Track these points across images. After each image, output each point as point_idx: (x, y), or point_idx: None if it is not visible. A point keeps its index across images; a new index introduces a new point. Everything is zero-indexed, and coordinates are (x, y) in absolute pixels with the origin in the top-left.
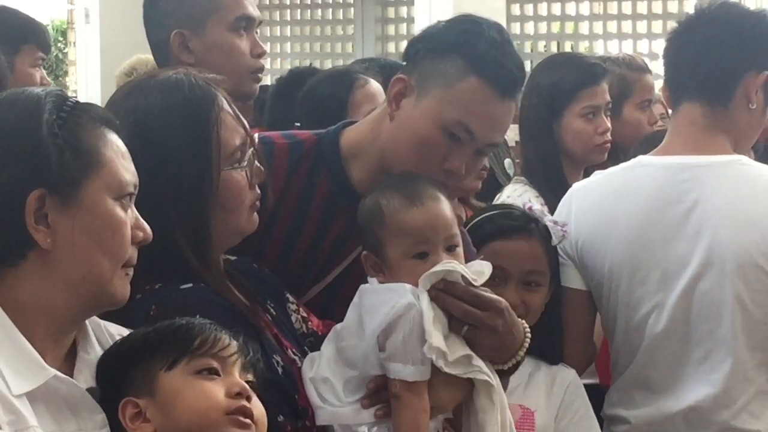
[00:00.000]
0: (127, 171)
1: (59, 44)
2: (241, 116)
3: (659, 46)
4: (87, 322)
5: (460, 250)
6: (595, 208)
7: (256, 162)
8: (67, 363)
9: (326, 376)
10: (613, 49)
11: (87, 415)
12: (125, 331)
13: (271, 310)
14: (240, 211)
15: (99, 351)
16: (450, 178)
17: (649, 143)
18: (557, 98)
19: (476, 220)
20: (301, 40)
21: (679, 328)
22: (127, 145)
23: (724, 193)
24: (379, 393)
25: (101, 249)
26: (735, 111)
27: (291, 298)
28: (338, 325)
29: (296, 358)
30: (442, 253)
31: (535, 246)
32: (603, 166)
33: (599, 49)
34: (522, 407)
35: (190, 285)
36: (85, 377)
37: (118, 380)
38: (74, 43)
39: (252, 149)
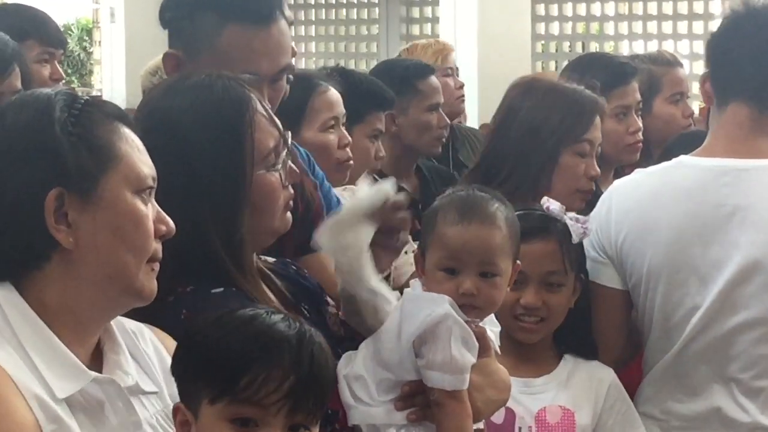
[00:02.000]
0: (145, 164)
1: (84, 43)
2: (275, 117)
3: (684, 46)
4: (112, 323)
5: (498, 279)
6: (635, 207)
7: (290, 162)
8: (94, 365)
9: (361, 374)
10: (639, 49)
11: (122, 417)
12: (145, 329)
13: (305, 313)
14: (274, 212)
15: (126, 351)
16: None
17: (685, 142)
18: None
19: None
20: (326, 39)
21: (716, 331)
22: (160, 145)
23: (766, 198)
24: (414, 397)
25: (125, 244)
26: None
27: (330, 301)
28: (381, 328)
29: None
30: (474, 275)
31: (553, 246)
32: (636, 164)
33: (624, 49)
34: (562, 408)
35: (221, 289)
36: (118, 378)
37: (182, 372)
38: (99, 42)
39: (286, 150)
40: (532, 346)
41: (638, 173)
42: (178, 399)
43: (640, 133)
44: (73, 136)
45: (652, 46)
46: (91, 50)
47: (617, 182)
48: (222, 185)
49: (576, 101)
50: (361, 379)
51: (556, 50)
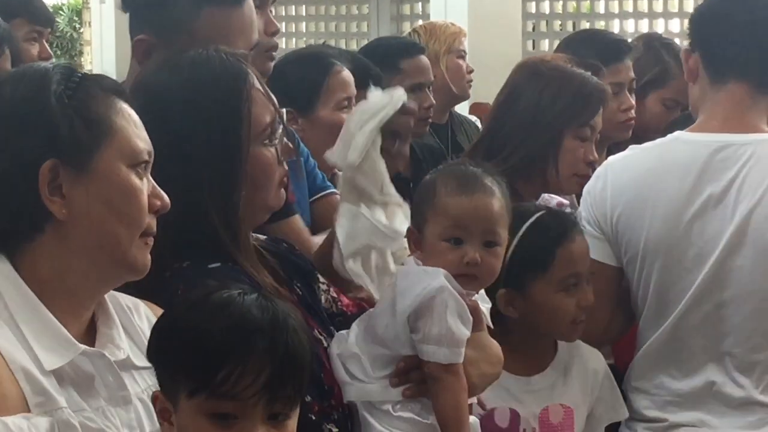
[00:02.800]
0: (140, 139)
1: (74, 24)
2: (270, 93)
3: (675, 24)
4: (105, 296)
5: (499, 249)
6: (631, 183)
7: (285, 139)
8: (87, 339)
9: (355, 352)
10: (629, 28)
11: (111, 391)
12: (141, 304)
13: (298, 290)
14: (269, 188)
15: (119, 326)
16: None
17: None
18: None
19: None
20: (316, 19)
21: (710, 306)
22: (157, 120)
23: (762, 170)
24: (409, 373)
25: (118, 217)
26: None
27: (321, 279)
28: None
29: (322, 338)
30: (478, 245)
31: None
32: (627, 143)
33: (615, 28)
34: (563, 407)
35: (218, 264)
36: (110, 352)
37: (159, 359)
38: (89, 23)
39: (281, 126)
40: (532, 338)
41: (633, 149)
42: None
43: (633, 111)
44: (68, 109)
45: (643, 25)
46: (81, 31)
47: (612, 158)
48: (219, 160)
49: (583, 89)
50: (355, 356)
51: (547, 29)
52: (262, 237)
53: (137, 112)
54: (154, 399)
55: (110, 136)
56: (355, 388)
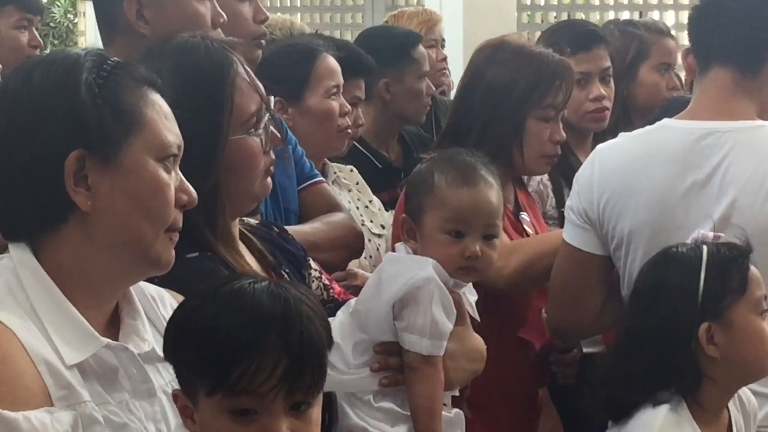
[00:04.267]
0: (170, 132)
1: (69, 15)
2: (257, 82)
3: (670, 17)
4: (131, 287)
5: (497, 241)
6: (618, 170)
7: (272, 128)
8: (110, 330)
9: (336, 341)
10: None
11: (136, 384)
12: (165, 293)
13: (286, 276)
14: (253, 177)
15: (144, 317)
16: None
17: (674, 108)
18: None
19: None
20: (311, 10)
21: None
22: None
23: (746, 158)
24: (387, 359)
25: (143, 212)
26: (765, 79)
27: (314, 265)
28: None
29: None
30: (478, 238)
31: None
32: (616, 131)
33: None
34: None
35: (196, 254)
36: (134, 344)
37: (175, 359)
38: (84, 13)
39: (268, 115)
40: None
41: (622, 137)
42: None
43: (606, 101)
44: (98, 99)
45: (637, 16)
46: (75, 21)
47: (600, 146)
48: (196, 147)
49: (542, 65)
50: (336, 345)
51: (542, 21)
52: (254, 221)
53: None
54: (175, 397)
55: (139, 128)
56: (333, 379)
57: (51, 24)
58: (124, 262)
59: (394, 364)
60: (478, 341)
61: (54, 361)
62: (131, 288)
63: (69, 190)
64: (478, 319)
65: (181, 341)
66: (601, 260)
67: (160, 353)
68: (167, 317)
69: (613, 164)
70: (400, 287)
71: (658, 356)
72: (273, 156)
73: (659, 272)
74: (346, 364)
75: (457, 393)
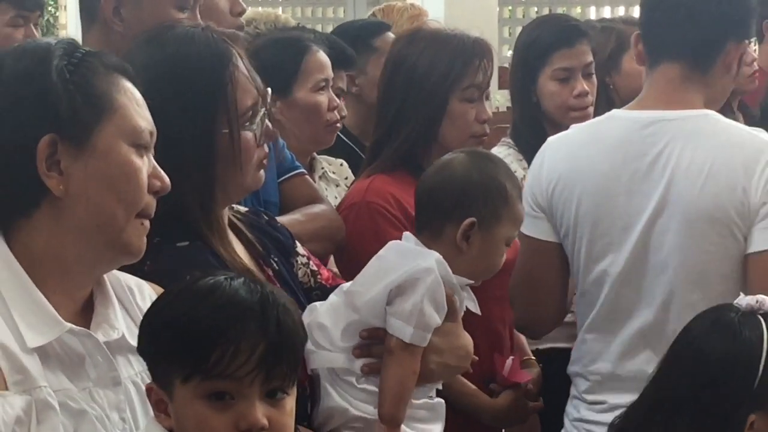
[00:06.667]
0: (142, 118)
1: (50, 8)
2: (256, 76)
3: None
4: (105, 276)
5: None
6: (565, 158)
7: (267, 121)
8: (83, 318)
9: (322, 323)
10: (606, 15)
11: (101, 372)
12: (145, 285)
13: (274, 264)
14: (246, 170)
15: (117, 306)
16: None
17: None
18: (532, 59)
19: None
20: (293, 4)
21: (633, 278)
22: (141, 94)
23: (687, 145)
24: (372, 346)
25: (115, 195)
26: (713, 77)
27: (302, 251)
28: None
29: None
30: None
31: None
32: None
33: (591, 14)
34: None
35: (187, 243)
36: (104, 332)
37: (151, 350)
38: (65, 6)
39: (264, 109)
40: None
41: (573, 127)
42: None
43: (589, 97)
44: (70, 84)
45: (619, 12)
46: (56, 15)
47: (552, 137)
48: (190, 139)
49: (459, 46)
50: (323, 327)
51: (523, 15)
52: (243, 209)
53: None
54: (149, 391)
55: (111, 113)
56: (319, 355)
57: (42, 15)
58: (95, 247)
59: (376, 353)
60: (466, 339)
61: (11, 345)
62: (107, 277)
63: (41, 174)
64: (479, 313)
65: (157, 330)
66: (556, 248)
67: (132, 342)
68: (144, 308)
69: (561, 153)
70: (400, 274)
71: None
72: (266, 149)
73: (714, 341)
74: (332, 345)
75: (440, 386)
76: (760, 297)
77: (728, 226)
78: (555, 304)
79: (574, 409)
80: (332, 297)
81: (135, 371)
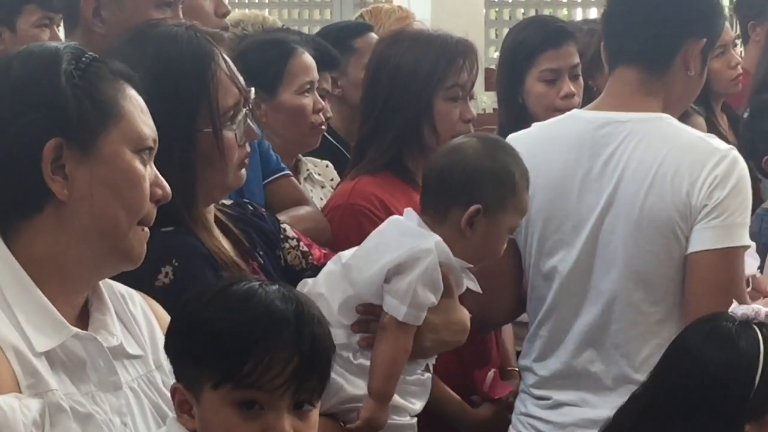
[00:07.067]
0: (146, 125)
1: None
2: (238, 76)
3: None
4: (100, 283)
5: None
6: (523, 155)
7: (249, 121)
8: (79, 324)
9: (321, 292)
10: (593, 16)
11: (102, 376)
12: (135, 294)
13: (260, 258)
14: (228, 169)
15: (113, 313)
16: None
17: None
18: (518, 61)
19: None
20: (279, 6)
21: (582, 276)
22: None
23: (638, 146)
24: (369, 322)
25: (119, 201)
26: (672, 77)
27: (290, 234)
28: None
29: None
30: None
31: None
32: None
33: (578, 16)
34: None
35: (172, 228)
36: (103, 338)
37: (180, 350)
38: None
39: (246, 109)
40: None
41: (534, 125)
42: (162, 365)
43: (576, 99)
44: (77, 89)
45: None
46: None
47: (513, 134)
48: (174, 137)
49: (442, 46)
50: (322, 297)
51: (510, 17)
52: (228, 202)
53: None
54: (173, 391)
55: (117, 119)
56: None
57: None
58: (97, 252)
59: (373, 329)
60: (462, 313)
61: (22, 348)
62: (101, 285)
63: (46, 178)
64: (480, 291)
65: (190, 332)
66: (509, 242)
67: (128, 349)
68: (136, 316)
69: (519, 150)
70: (400, 253)
71: None
72: (248, 149)
73: (711, 351)
74: (330, 316)
75: (433, 361)
76: (756, 306)
77: (671, 227)
78: (507, 297)
79: (521, 404)
80: (330, 265)
81: (132, 377)
